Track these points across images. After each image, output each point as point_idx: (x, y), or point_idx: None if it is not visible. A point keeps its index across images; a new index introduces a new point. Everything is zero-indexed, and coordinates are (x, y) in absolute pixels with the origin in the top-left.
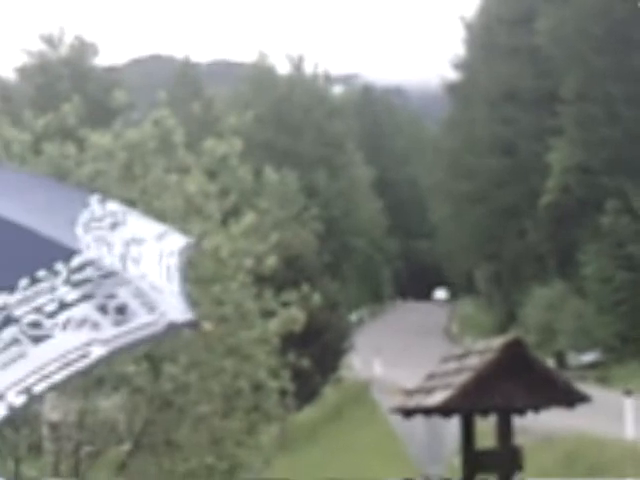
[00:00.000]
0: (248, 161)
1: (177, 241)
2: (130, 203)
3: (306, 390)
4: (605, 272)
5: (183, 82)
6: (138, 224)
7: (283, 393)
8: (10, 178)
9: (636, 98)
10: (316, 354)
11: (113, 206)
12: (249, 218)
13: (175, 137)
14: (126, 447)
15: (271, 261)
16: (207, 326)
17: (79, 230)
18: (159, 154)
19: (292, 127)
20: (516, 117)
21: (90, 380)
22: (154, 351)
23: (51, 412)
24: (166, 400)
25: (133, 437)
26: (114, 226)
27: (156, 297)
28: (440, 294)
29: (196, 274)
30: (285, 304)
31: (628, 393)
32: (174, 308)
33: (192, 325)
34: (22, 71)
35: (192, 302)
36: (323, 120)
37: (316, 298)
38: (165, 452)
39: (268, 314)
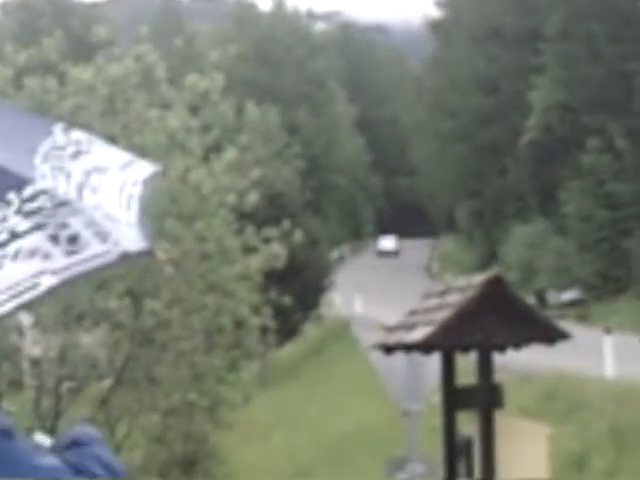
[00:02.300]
0: (230, 97)
1: (143, 170)
2: (111, 138)
3: (287, 327)
4: (586, 210)
5: (165, 18)
6: (103, 153)
7: (264, 330)
8: None
9: (618, 36)
10: (297, 291)
11: (78, 135)
12: (230, 154)
13: (157, 72)
14: (107, 383)
15: (253, 198)
16: (161, 255)
17: (37, 159)
18: (141, 89)
19: (274, 64)
20: (499, 55)
21: (71, 315)
22: (135, 287)
23: (32, 347)
24: (147, 336)
25: (114, 373)
26: (76, 155)
27: (110, 227)
28: (387, 243)
29: (178, 210)
30: (266, 241)
31: (608, 331)
32: (128, 238)
33: (147, 254)
34: (4, 7)
35: (150, 234)
36: (305, 57)
37: (297, 235)
38: (146, 388)
39: (250, 250)
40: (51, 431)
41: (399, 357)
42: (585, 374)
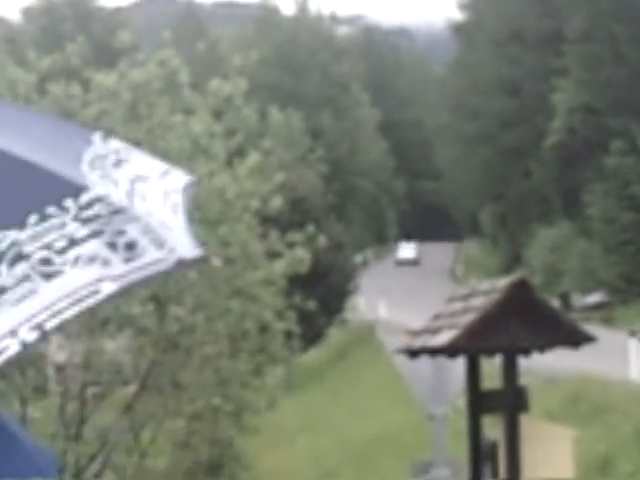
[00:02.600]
0: (253, 102)
1: (180, 179)
2: (135, 143)
3: (311, 332)
4: (610, 212)
5: (187, 23)
6: (141, 162)
7: (289, 335)
8: (13, 115)
9: None
10: (321, 295)
11: (116, 143)
12: (254, 158)
13: (180, 77)
14: (132, 388)
15: (276, 202)
16: (216, 262)
17: (85, 167)
18: (164, 94)
19: (297, 68)
20: (521, 57)
21: (95, 321)
22: (160, 292)
23: (57, 353)
24: (172, 341)
25: (139, 378)
26: (118, 163)
27: (164, 233)
28: (406, 252)
29: (202, 215)
30: (290, 245)
31: (633, 334)
32: (182, 244)
33: (201, 261)
34: (27, 12)
35: (200, 241)
36: (328, 61)
37: (321, 239)
38: (171, 393)
39: (274, 255)
40: (76, 437)
41: (424, 361)
42: (610, 377)
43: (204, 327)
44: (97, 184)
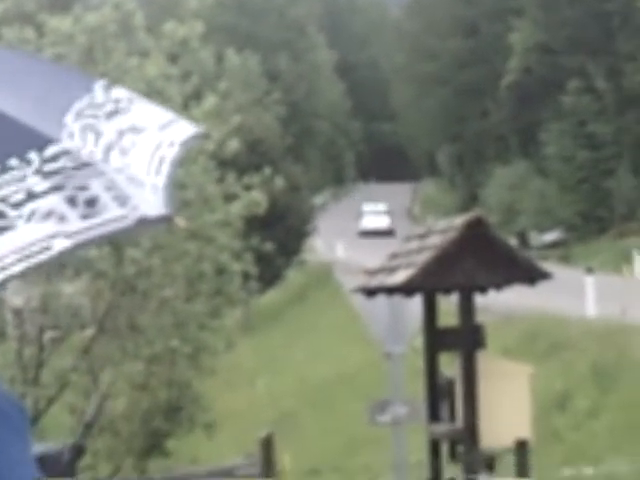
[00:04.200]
0: (209, 45)
1: (183, 131)
2: None
3: (269, 273)
4: (567, 151)
5: None
6: (143, 112)
7: (246, 276)
8: (9, 61)
9: None
10: (279, 237)
11: (119, 93)
12: (210, 101)
13: (135, 20)
14: (90, 332)
15: (233, 145)
16: (180, 222)
17: (69, 117)
18: (119, 38)
19: (253, 11)
20: None
21: (52, 265)
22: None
23: (14, 297)
24: (129, 284)
25: (97, 322)
26: (113, 114)
27: (132, 190)
28: (374, 220)
29: None
30: (247, 187)
31: (589, 271)
32: (149, 202)
33: (165, 220)
34: None
35: (173, 199)
36: (284, 4)
37: (278, 181)
38: (129, 336)
39: (230, 198)
40: (34, 381)
41: (381, 300)
42: (567, 314)
43: (161, 270)
44: (73, 136)
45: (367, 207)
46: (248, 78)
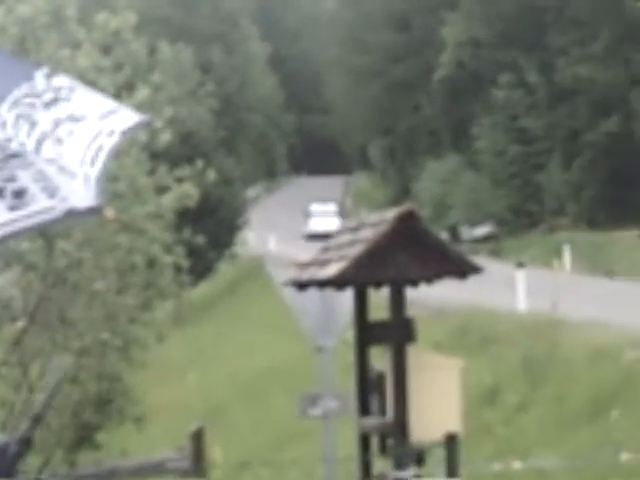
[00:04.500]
0: (142, 36)
1: (125, 119)
2: None
3: (201, 266)
4: (498, 145)
5: None
6: (84, 101)
7: (178, 269)
8: None
9: None
10: (211, 230)
11: (61, 81)
12: (143, 93)
13: (67, 11)
14: (20, 324)
15: (165, 137)
16: (109, 213)
17: (4, 107)
18: (51, 29)
19: (187, 2)
20: None
21: None
22: (47, 227)
23: None
24: (60, 276)
25: (27, 314)
26: (52, 103)
27: (61, 181)
28: (323, 222)
29: None
30: (179, 180)
31: (520, 265)
32: (79, 194)
33: (94, 212)
34: None
35: (104, 190)
36: None
37: (210, 174)
38: (59, 328)
39: (162, 190)
40: None
41: (312, 293)
42: (498, 308)
43: (92, 262)
44: (6, 126)
45: (315, 207)
46: (181, 70)
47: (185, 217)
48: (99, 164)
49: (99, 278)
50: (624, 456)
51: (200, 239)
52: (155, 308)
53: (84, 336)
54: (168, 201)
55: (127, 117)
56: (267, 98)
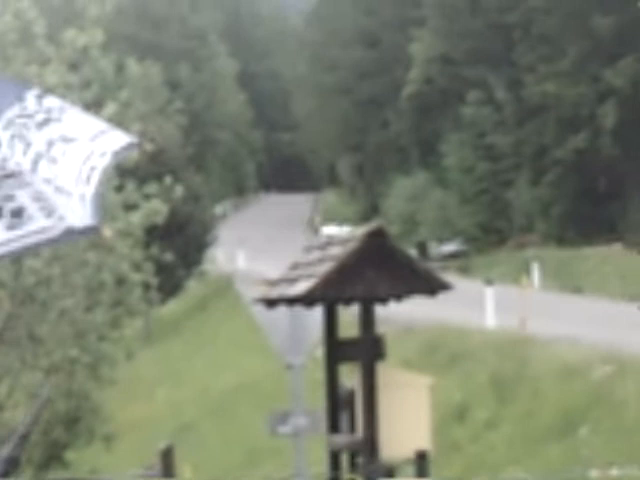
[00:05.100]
0: (110, 53)
1: (116, 140)
2: None
3: (170, 283)
4: (466, 162)
5: None
6: (75, 122)
7: (146, 287)
8: None
9: None
10: (180, 247)
11: (51, 102)
12: (111, 109)
13: (35, 28)
14: None
15: (134, 154)
16: (107, 232)
17: None
18: (20, 46)
19: (155, 19)
20: (379, 8)
21: None
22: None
23: None
24: (29, 294)
25: None
26: (44, 123)
27: (58, 201)
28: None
29: None
30: (147, 197)
31: (489, 282)
32: (76, 213)
33: (92, 231)
34: None
35: (100, 208)
36: (186, 12)
37: (179, 190)
38: (28, 346)
39: (131, 207)
40: None
41: (281, 311)
42: (467, 325)
43: (61, 279)
44: (1, 145)
45: (328, 230)
46: (149, 87)
47: (154, 234)
48: (93, 183)
49: (68, 296)
50: (593, 473)
51: (169, 256)
52: (124, 326)
53: (53, 354)
54: (137, 218)
55: (117, 138)
56: (236, 115)
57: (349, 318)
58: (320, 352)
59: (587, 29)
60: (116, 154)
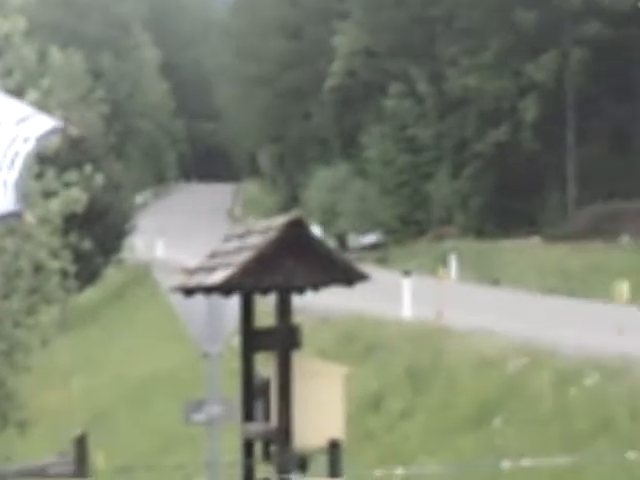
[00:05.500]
0: (33, 41)
1: (40, 125)
2: None
3: (88, 271)
4: (387, 154)
5: None
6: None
7: (64, 274)
8: None
9: None
10: (98, 235)
11: None
12: (32, 97)
13: None
14: None
15: (54, 141)
16: (29, 218)
17: None
18: None
19: (78, 7)
20: (303, 0)
21: None
22: None
23: None
24: None
25: None
26: None
27: None
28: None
29: None
30: (67, 184)
31: (406, 274)
32: None
33: (14, 216)
34: None
35: (23, 194)
36: (109, 1)
37: (99, 179)
38: None
39: (50, 195)
40: None
41: (199, 299)
42: (384, 316)
43: None
44: None
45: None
46: (71, 75)
47: (73, 221)
48: (16, 169)
49: None
50: (505, 464)
51: (87, 244)
52: (40, 312)
53: None
54: (56, 206)
55: (42, 123)
56: (158, 104)
57: (266, 308)
58: (237, 341)
59: (509, 23)
60: (40, 139)
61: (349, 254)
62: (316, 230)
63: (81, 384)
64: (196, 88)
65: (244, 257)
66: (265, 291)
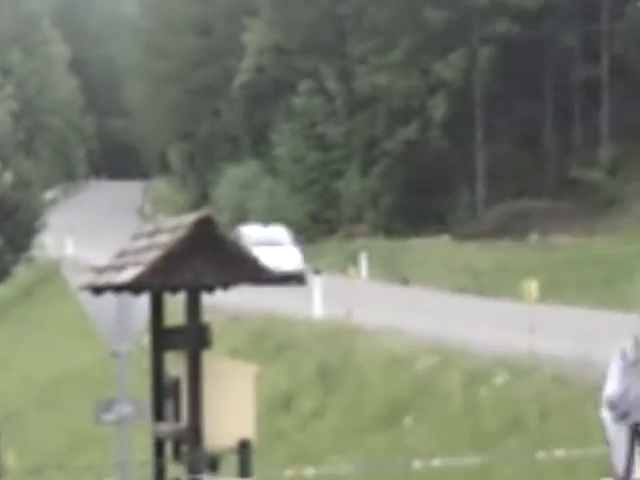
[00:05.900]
0: None
1: None
2: None
3: None
4: (297, 152)
5: None
6: None
7: None
8: None
9: None
10: (8, 233)
11: None
12: None
13: None
14: None
15: None
16: None
17: None
18: None
19: None
20: None
21: None
22: None
23: None
24: None
25: None
26: None
27: None
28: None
29: None
30: None
31: (316, 272)
32: None
33: None
34: None
35: None
36: None
37: (8, 176)
38: None
39: None
40: None
41: (108, 298)
42: (294, 315)
43: None
44: None
45: (252, 232)
46: None
47: None
48: None
49: None
50: (416, 463)
51: None
52: None
53: None
54: None
55: None
56: (67, 101)
57: (176, 306)
58: (147, 340)
59: (418, 22)
60: None
61: None
62: (283, 233)
63: None
64: (106, 85)
65: (153, 256)
66: (174, 290)
